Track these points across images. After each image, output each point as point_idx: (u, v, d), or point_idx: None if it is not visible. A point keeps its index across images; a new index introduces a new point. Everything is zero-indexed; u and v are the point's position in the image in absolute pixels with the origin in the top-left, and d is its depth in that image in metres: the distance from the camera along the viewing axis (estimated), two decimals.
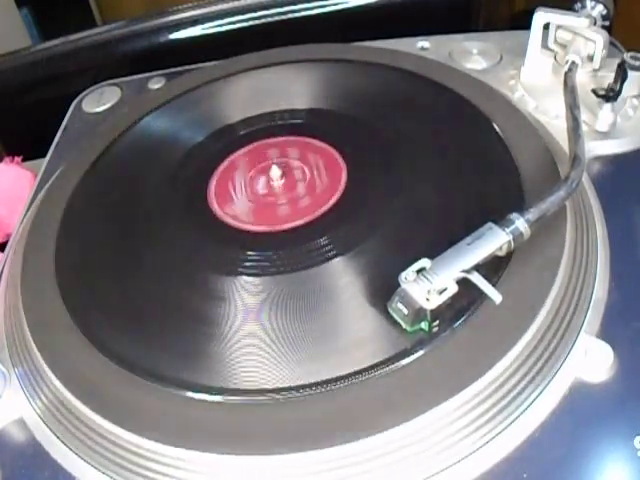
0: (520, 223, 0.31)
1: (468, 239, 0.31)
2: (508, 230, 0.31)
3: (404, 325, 0.30)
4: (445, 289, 0.30)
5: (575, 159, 0.35)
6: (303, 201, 0.39)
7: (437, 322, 0.30)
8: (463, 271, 0.30)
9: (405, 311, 0.30)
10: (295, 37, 0.54)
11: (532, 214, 0.32)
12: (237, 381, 0.30)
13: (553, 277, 0.32)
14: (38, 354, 0.33)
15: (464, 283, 0.30)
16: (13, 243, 0.43)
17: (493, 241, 0.31)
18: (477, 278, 0.30)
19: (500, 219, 0.32)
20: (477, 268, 0.30)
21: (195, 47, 0.65)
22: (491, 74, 0.48)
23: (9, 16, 0.96)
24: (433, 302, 0.29)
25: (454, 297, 0.30)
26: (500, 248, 0.31)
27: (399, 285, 0.30)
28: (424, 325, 0.30)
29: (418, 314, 0.30)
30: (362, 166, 0.41)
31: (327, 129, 0.44)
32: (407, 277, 0.30)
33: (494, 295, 0.30)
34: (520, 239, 0.31)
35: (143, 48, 0.65)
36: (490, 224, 0.32)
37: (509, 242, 0.31)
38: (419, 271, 0.30)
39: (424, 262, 0.31)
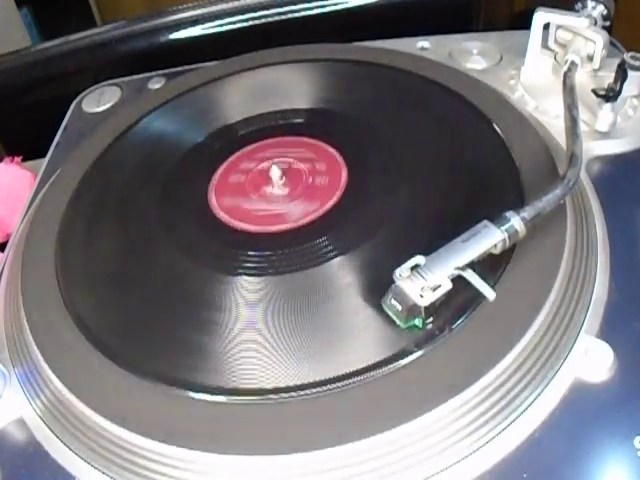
0: (516, 221, 0.31)
1: (463, 236, 0.31)
2: (503, 228, 0.31)
3: (398, 322, 0.30)
4: (439, 286, 0.30)
5: (572, 158, 0.34)
6: (303, 201, 0.39)
7: (431, 319, 0.30)
8: (457, 268, 0.30)
9: (399, 307, 0.30)
10: (295, 37, 0.54)
11: (528, 212, 0.32)
12: (237, 381, 0.30)
13: (553, 277, 0.32)
14: (38, 354, 0.33)
15: (464, 283, 0.30)
16: (13, 243, 0.43)
17: (488, 239, 0.31)
18: (471, 275, 0.30)
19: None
20: (473, 266, 0.31)
21: (195, 47, 0.65)
22: (491, 74, 0.48)
23: (9, 16, 0.96)
24: (427, 299, 0.30)
25: (454, 297, 0.30)
26: (495, 246, 0.31)
27: (394, 282, 0.30)
28: (418, 322, 0.30)
29: (412, 311, 0.30)
30: (362, 166, 0.41)
31: (327, 129, 0.44)
32: (401, 274, 0.30)
33: (488, 292, 0.30)
34: (516, 237, 0.31)
35: (143, 48, 0.65)
36: (485, 222, 0.32)
37: (504, 240, 0.31)
38: (413, 268, 0.30)
39: (418, 259, 0.31)
